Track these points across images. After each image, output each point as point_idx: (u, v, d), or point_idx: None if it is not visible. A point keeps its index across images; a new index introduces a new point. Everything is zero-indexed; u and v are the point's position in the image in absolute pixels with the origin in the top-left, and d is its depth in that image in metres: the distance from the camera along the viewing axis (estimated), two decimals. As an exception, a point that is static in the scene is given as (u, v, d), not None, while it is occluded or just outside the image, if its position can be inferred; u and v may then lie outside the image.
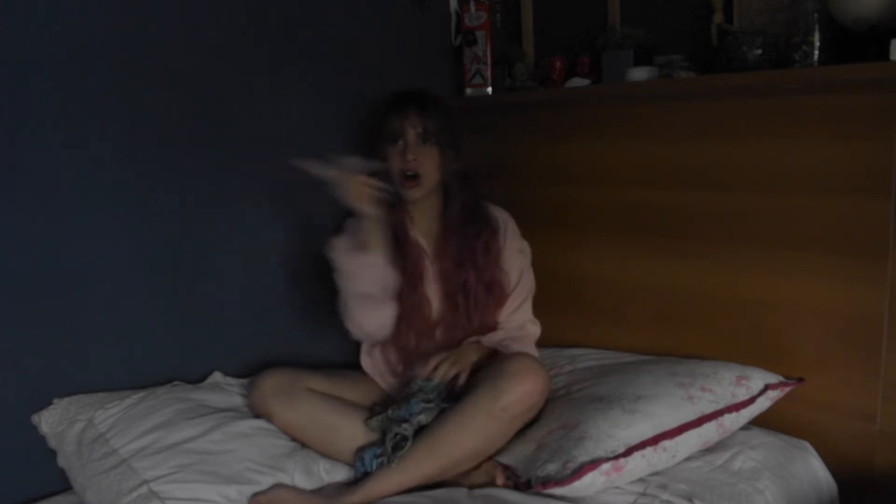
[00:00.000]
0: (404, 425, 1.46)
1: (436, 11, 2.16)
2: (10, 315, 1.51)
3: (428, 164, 1.67)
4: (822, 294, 1.49)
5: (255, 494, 1.41)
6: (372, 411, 1.59)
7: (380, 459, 1.46)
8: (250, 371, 1.81)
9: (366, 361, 1.79)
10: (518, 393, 1.43)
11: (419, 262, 1.73)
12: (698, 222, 1.67)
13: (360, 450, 1.52)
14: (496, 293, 1.73)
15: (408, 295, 1.70)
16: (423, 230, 1.76)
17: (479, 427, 1.43)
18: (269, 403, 1.58)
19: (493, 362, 1.56)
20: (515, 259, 1.77)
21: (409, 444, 1.44)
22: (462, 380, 1.58)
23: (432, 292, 1.74)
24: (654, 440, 1.37)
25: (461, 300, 1.71)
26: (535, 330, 1.78)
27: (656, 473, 1.41)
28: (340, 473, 1.55)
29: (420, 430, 1.48)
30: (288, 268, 1.92)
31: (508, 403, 1.43)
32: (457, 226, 1.73)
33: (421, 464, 1.43)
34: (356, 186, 1.55)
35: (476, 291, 1.71)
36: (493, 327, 1.74)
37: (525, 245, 1.81)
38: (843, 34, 1.45)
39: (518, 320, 1.76)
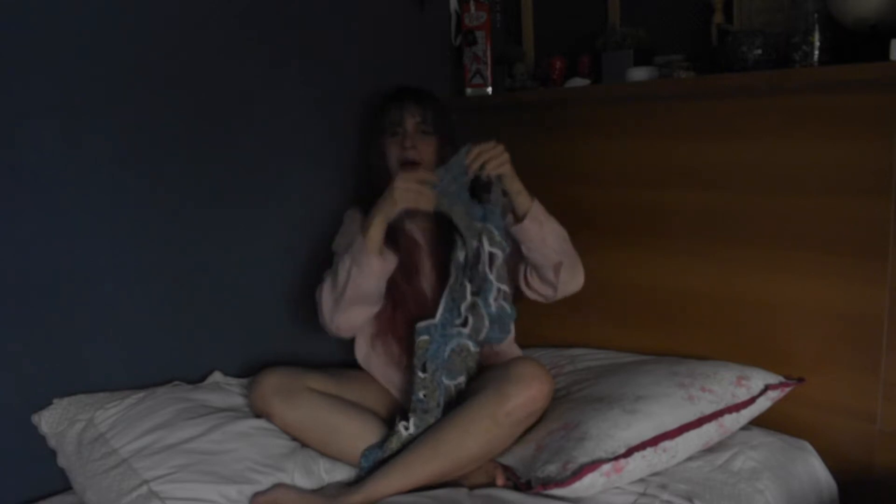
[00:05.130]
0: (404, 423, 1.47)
1: (436, 11, 2.16)
2: (10, 315, 1.51)
3: (427, 153, 1.67)
4: (822, 294, 1.49)
5: (256, 494, 1.41)
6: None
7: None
8: (250, 371, 1.81)
9: (364, 357, 1.77)
10: (523, 398, 1.42)
11: (413, 255, 1.70)
12: (698, 222, 1.67)
13: (367, 449, 1.53)
14: None
15: (403, 287, 1.67)
16: (419, 223, 1.75)
17: (483, 431, 1.43)
18: (270, 403, 1.57)
19: (497, 365, 1.56)
20: None
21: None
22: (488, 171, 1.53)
23: (427, 284, 1.72)
24: (655, 441, 1.37)
25: None
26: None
27: (656, 473, 1.41)
28: (341, 473, 1.55)
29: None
30: (288, 267, 1.92)
31: (513, 409, 1.42)
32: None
33: (423, 466, 1.43)
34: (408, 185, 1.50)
35: None
36: None
37: None
38: (843, 34, 1.45)
39: None
